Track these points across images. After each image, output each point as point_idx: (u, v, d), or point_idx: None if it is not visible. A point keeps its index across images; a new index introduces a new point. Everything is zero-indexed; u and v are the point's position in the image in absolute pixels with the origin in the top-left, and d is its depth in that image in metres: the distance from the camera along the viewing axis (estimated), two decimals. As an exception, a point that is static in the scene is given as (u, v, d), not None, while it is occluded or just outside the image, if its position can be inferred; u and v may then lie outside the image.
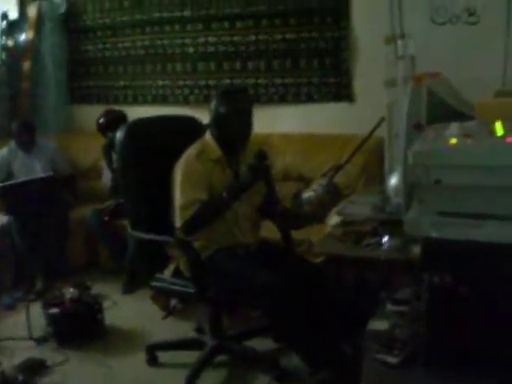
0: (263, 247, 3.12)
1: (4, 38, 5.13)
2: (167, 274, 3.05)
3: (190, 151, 2.98)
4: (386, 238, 2.58)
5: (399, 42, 3.36)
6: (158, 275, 3.07)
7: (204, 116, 3.15)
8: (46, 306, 3.58)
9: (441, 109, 2.43)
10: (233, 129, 2.97)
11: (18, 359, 3.28)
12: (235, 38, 4.71)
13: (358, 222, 2.89)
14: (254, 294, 2.77)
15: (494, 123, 2.00)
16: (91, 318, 3.60)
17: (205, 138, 3.06)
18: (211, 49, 4.80)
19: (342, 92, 4.52)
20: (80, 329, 3.55)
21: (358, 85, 4.48)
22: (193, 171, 2.91)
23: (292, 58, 4.58)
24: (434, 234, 1.70)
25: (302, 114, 4.65)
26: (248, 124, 3.02)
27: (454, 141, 1.75)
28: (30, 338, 3.55)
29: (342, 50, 4.44)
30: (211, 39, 4.78)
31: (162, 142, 3.13)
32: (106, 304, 3.97)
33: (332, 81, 4.52)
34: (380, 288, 2.33)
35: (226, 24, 4.72)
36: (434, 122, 2.29)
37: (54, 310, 3.54)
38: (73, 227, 4.51)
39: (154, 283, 3.09)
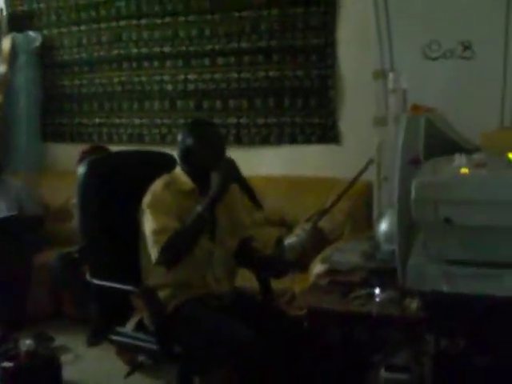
0: (239, 298, 2.69)
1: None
2: (129, 327, 2.63)
3: (157, 183, 2.61)
4: (377, 290, 2.20)
5: (390, 75, 3.05)
6: (118, 328, 2.66)
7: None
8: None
9: (440, 143, 2.07)
10: (204, 161, 2.61)
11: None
12: (216, 76, 4.38)
13: (346, 272, 2.52)
14: (226, 352, 2.36)
15: (503, 155, 1.66)
16: (48, 373, 3.15)
17: (174, 171, 2.70)
18: (191, 86, 4.46)
19: (327, 133, 4.18)
20: (35, 386, 3.10)
21: (345, 125, 4.16)
22: (162, 200, 2.54)
23: (275, 97, 4.26)
24: (445, 288, 1.34)
25: (286, 156, 4.31)
26: (220, 154, 2.65)
27: (465, 170, 1.40)
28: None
29: (328, 89, 4.12)
30: (191, 76, 4.45)
31: (128, 179, 2.74)
32: (67, 357, 3.54)
33: (317, 121, 4.19)
34: (371, 349, 1.94)
35: (207, 61, 4.40)
36: (431, 158, 1.95)
37: (7, 364, 3.09)
38: (37, 273, 4.07)
39: (114, 337, 2.67)
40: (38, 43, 4.86)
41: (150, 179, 2.66)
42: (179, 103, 4.52)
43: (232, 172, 2.57)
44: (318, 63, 4.13)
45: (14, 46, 4.81)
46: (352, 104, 4.08)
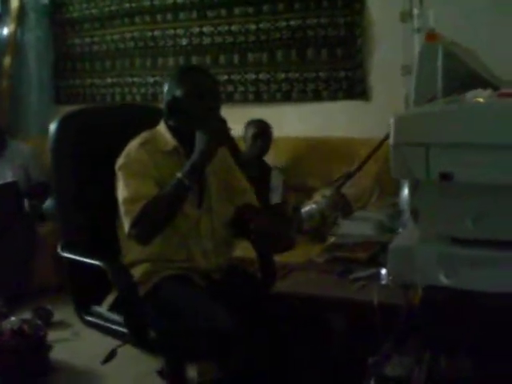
0: (232, 275, 2.22)
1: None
2: (104, 306, 2.22)
3: (133, 142, 2.14)
4: (383, 270, 1.70)
5: (415, 12, 2.49)
6: (93, 307, 2.25)
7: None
8: (-19, 338, 2.79)
9: (464, 79, 1.54)
10: (190, 115, 2.09)
11: None
12: (233, 27, 3.89)
13: (351, 247, 2.02)
14: (201, 341, 1.91)
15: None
16: (33, 354, 2.78)
17: (156, 128, 2.21)
18: (206, 40, 3.98)
19: (355, 88, 3.66)
20: (19, 367, 2.73)
21: (375, 79, 3.62)
22: (135, 162, 2.08)
23: (297, 49, 3.74)
24: (443, 281, 0.84)
25: (309, 114, 3.80)
26: (210, 108, 2.13)
27: (480, 99, 0.89)
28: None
29: (356, 38, 3.58)
30: (206, 29, 3.97)
31: (107, 138, 2.29)
32: (64, 334, 3.18)
33: (343, 75, 3.66)
34: (367, 348, 1.45)
35: (223, 11, 3.91)
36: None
37: (-11, 344, 2.75)
38: (43, 242, 3.72)
39: (87, 317, 2.26)
40: (46, 0, 4.45)
41: (129, 136, 2.21)
42: (194, 59, 4.05)
43: (221, 133, 2.06)
44: (344, 9, 3.60)
45: (22, 4, 4.41)
46: (382, 55, 3.54)
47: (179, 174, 2.01)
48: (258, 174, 3.54)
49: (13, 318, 2.86)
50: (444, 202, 0.83)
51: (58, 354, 2.96)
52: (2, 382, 2.71)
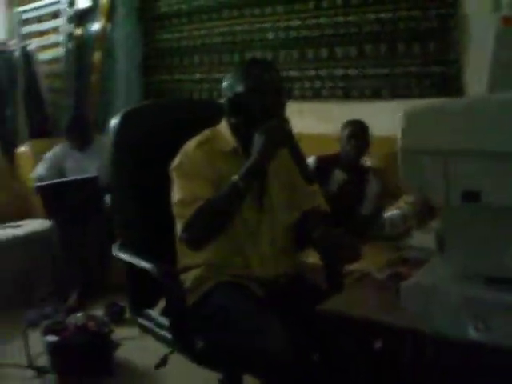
0: (292, 285, 2.03)
1: (71, 26, 4.47)
2: (157, 310, 2.13)
3: (191, 141, 2.02)
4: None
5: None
6: (146, 310, 2.16)
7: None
8: (46, 331, 2.78)
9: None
10: (251, 113, 1.94)
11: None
12: (321, 20, 3.71)
13: (419, 261, 1.79)
14: (253, 359, 1.75)
15: None
16: (97, 350, 2.75)
17: (217, 127, 2.08)
18: (293, 34, 3.83)
19: (450, 84, 3.37)
20: (81, 363, 2.72)
21: (471, 74, 3.31)
22: (191, 162, 1.95)
23: (388, 43, 3.50)
24: (473, 334, 0.63)
25: (399, 112, 3.53)
26: (272, 107, 1.95)
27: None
28: (29, 367, 2.82)
29: (450, 31, 3.29)
30: (294, 23, 3.81)
31: (167, 136, 2.17)
32: (135, 332, 3.13)
33: (437, 70, 3.38)
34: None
35: (311, 4, 3.73)
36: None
37: (53, 338, 2.74)
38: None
39: (140, 320, 2.17)
40: (136, -4, 4.46)
41: (194, 133, 2.09)
42: (281, 53, 3.90)
43: (280, 134, 1.89)
44: (436, 1, 3.32)
45: (111, 0, 4.43)
46: (479, 48, 3.20)
47: (235, 177, 1.87)
48: (351, 178, 3.33)
49: (79, 314, 2.85)
50: (472, 229, 0.62)
51: (125, 352, 2.93)
52: (62, 378, 2.70)
